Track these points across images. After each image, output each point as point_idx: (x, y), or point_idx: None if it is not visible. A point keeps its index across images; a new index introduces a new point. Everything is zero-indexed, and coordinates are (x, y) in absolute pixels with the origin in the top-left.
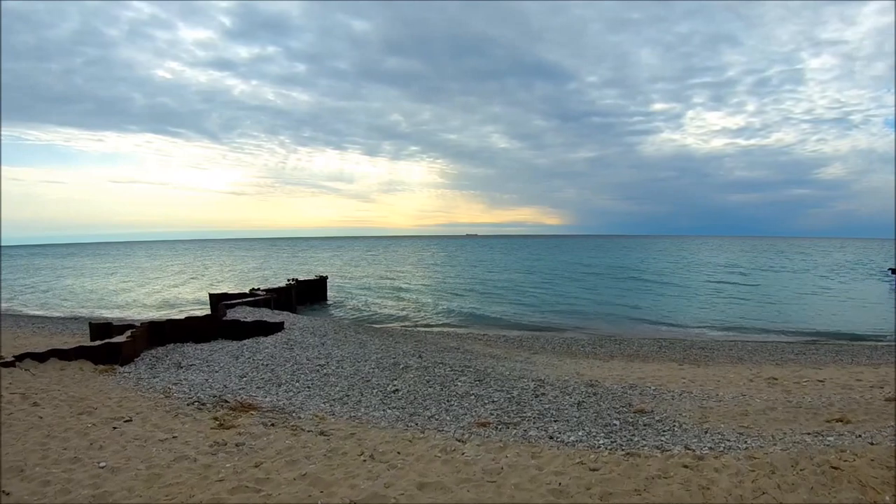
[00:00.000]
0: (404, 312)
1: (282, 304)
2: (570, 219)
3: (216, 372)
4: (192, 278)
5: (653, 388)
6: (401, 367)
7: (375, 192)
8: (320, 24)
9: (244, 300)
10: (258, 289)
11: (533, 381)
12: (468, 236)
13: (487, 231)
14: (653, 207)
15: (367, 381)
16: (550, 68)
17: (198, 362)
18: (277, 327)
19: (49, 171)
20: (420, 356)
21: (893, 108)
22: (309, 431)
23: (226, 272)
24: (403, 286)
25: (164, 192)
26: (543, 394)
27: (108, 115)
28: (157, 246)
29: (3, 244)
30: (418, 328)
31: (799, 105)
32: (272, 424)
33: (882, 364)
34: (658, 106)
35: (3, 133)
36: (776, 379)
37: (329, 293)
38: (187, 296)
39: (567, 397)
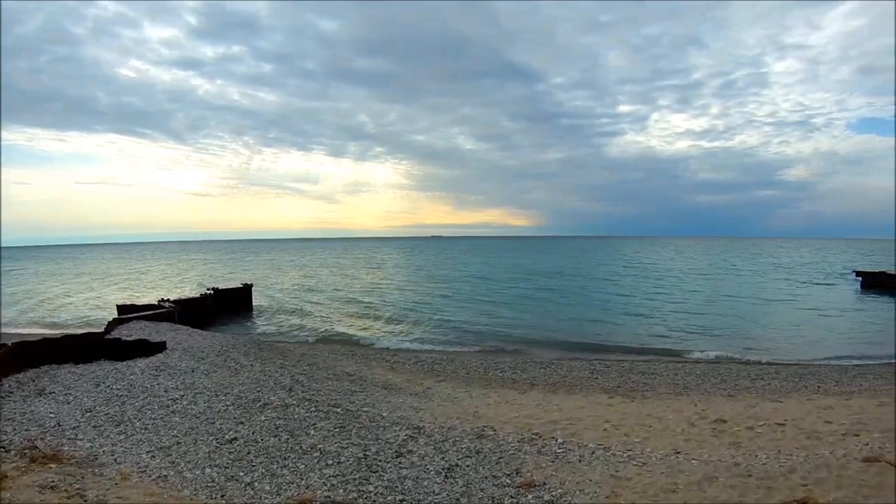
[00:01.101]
0: (326, 325)
1: (193, 317)
2: (538, 220)
3: (68, 403)
4: (110, 284)
5: (561, 439)
6: (259, 404)
7: (340, 194)
8: (289, 24)
9: (143, 314)
10: (166, 300)
11: (408, 428)
12: (433, 237)
13: (453, 232)
14: (624, 208)
15: (212, 422)
16: (521, 70)
17: (59, 389)
18: (159, 347)
19: (15, 173)
20: (291, 389)
21: (855, 112)
22: (83, 500)
23: (161, 278)
24: (338, 294)
25: (129, 193)
26: (411, 451)
27: (74, 115)
28: (117, 249)
29: None
30: (327, 346)
31: (762, 108)
32: (52, 487)
33: (854, 393)
34: (624, 108)
35: None
36: (725, 422)
37: (257, 302)
38: (96, 306)
39: (439, 457)
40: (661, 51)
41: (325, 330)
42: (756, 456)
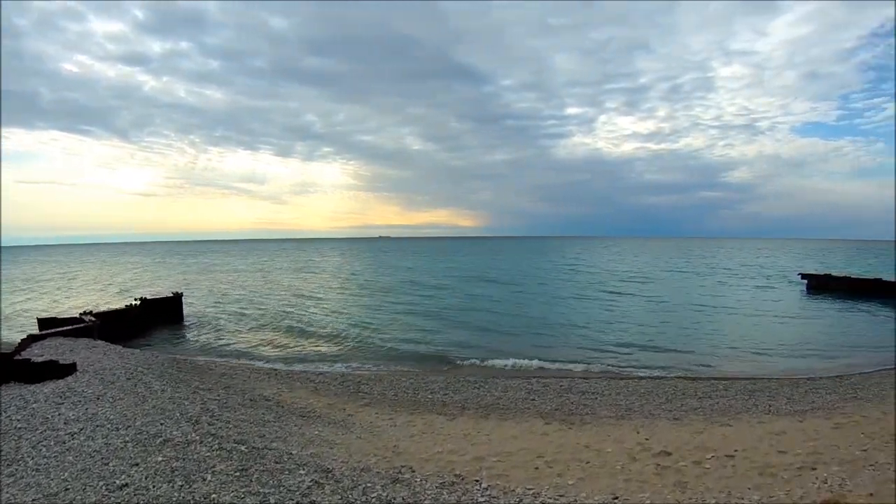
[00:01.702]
0: (252, 339)
1: (117, 330)
2: (486, 220)
3: None
4: (31, 292)
5: (486, 482)
6: (160, 440)
7: (287, 194)
8: (239, 21)
9: (60, 330)
10: (89, 312)
11: (316, 471)
12: (380, 238)
13: (401, 233)
14: (570, 209)
15: (106, 463)
16: (470, 71)
17: None
18: (69, 370)
19: None
20: (197, 421)
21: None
22: None
23: (90, 284)
24: (270, 303)
25: (72, 193)
26: (314, 502)
27: (15, 111)
28: (56, 251)
29: None
30: (250, 362)
31: (708, 112)
32: None
33: (807, 412)
34: (572, 110)
35: None
36: (669, 454)
37: (189, 310)
38: (7, 316)
39: None
40: (610, 55)
41: (251, 345)
42: (704, 501)
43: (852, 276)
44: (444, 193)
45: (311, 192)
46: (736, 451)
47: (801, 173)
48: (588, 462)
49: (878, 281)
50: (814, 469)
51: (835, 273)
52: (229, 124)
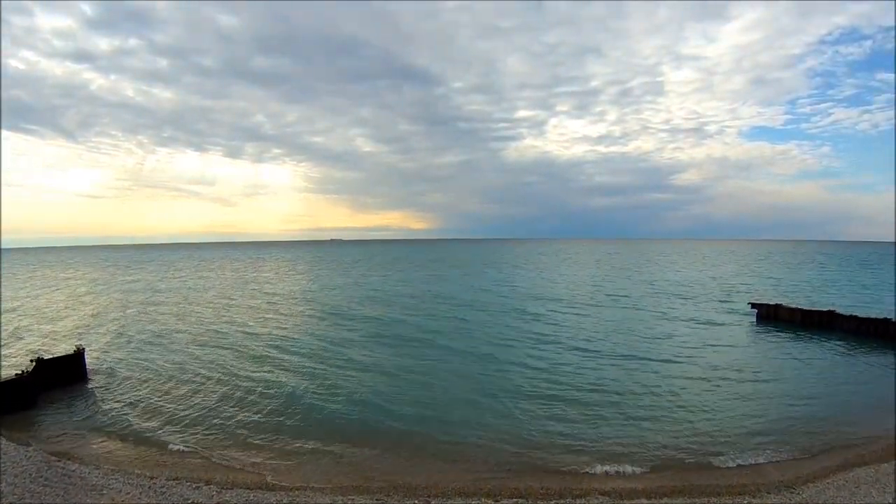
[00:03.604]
0: (148, 425)
1: (3, 408)
2: (437, 223)
3: None
4: None
5: None
6: None
7: (238, 196)
8: (188, 18)
9: None
10: None
11: None
12: (332, 241)
13: (352, 236)
14: (521, 211)
15: None
16: (420, 73)
17: None
18: None
19: None
20: None
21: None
22: None
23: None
24: (170, 356)
25: (18, 195)
26: None
27: None
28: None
29: None
30: (125, 464)
31: (658, 115)
32: None
33: None
34: (522, 113)
35: None
36: None
37: (97, 361)
38: None
39: None
40: (560, 58)
41: (142, 436)
42: None
43: (804, 308)
44: (395, 196)
45: (262, 195)
46: None
47: (747, 176)
48: None
49: (831, 313)
50: None
51: (785, 303)
52: (178, 124)
